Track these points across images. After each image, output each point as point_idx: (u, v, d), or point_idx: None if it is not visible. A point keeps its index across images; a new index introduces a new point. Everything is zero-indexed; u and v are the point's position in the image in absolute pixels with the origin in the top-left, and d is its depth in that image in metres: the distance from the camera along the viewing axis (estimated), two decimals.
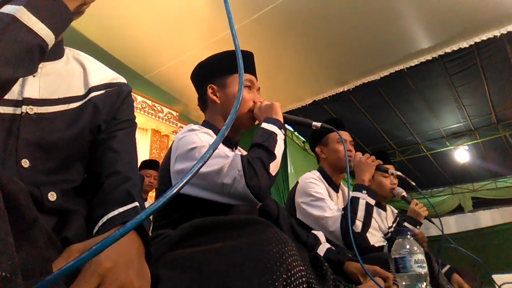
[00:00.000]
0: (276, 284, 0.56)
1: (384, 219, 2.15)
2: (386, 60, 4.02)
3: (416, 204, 1.99)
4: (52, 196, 0.64)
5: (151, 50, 3.76)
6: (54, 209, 0.64)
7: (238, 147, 1.24)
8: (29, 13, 0.52)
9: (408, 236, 1.07)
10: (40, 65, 0.70)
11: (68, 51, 0.80)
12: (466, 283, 1.82)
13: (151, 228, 1.08)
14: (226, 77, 1.16)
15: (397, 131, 6.05)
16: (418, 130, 6.12)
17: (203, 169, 0.90)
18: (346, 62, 4.07)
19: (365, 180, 1.56)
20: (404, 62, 3.99)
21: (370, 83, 4.32)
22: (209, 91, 1.17)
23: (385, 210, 2.21)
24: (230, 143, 1.16)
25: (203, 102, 1.22)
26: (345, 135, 1.73)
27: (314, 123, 1.15)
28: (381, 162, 1.65)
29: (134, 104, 1.01)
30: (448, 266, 1.89)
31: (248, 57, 1.20)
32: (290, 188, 2.00)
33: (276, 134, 1.01)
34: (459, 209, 8.08)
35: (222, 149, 0.99)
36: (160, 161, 3.72)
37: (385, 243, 1.90)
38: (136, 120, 0.87)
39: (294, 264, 0.60)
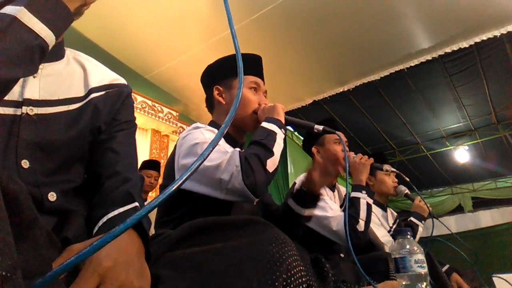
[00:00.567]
0: (276, 284, 0.56)
1: (385, 219, 2.16)
2: (386, 60, 4.02)
3: (420, 201, 2.03)
4: (52, 196, 0.64)
5: (151, 50, 3.76)
6: (54, 209, 0.64)
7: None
8: (29, 14, 0.53)
9: (408, 236, 1.07)
10: (41, 66, 0.70)
11: (69, 52, 0.80)
12: (466, 283, 1.83)
13: (151, 227, 1.08)
14: (232, 79, 1.19)
15: (397, 131, 6.05)
16: (418, 130, 6.12)
17: (203, 165, 0.90)
18: (346, 62, 4.06)
19: (362, 180, 1.58)
20: (404, 62, 3.99)
21: (370, 83, 4.32)
22: (215, 92, 1.20)
23: (385, 211, 2.22)
24: (236, 144, 1.16)
25: (210, 103, 1.25)
26: (341, 135, 1.74)
27: (316, 126, 1.15)
28: (372, 160, 1.66)
29: (134, 104, 1.02)
30: (447, 266, 1.90)
31: (255, 60, 1.23)
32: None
33: (275, 133, 1.01)
34: (459, 209, 8.08)
35: (225, 147, 0.99)
36: (161, 161, 3.73)
37: (390, 238, 1.91)
38: (136, 120, 0.87)
39: (294, 264, 0.60)
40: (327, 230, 1.47)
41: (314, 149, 1.80)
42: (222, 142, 1.04)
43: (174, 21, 3.36)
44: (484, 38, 3.55)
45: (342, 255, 1.59)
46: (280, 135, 1.02)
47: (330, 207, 1.51)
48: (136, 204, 0.68)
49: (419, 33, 3.62)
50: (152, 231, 1.13)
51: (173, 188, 0.34)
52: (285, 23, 3.42)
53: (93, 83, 0.77)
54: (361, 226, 1.44)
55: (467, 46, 3.66)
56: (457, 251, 1.79)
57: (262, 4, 3.19)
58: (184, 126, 4.40)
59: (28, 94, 0.66)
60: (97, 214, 0.66)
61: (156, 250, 0.67)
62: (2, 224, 0.33)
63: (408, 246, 1.03)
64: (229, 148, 0.99)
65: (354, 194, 1.53)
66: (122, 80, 0.85)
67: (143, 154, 3.76)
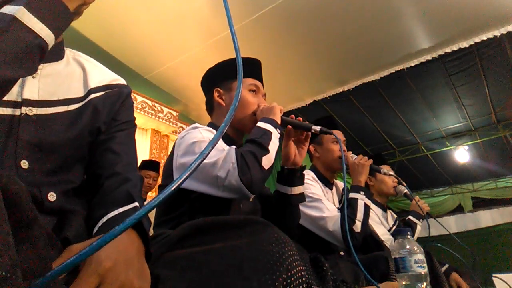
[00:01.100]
0: (276, 284, 0.56)
1: (385, 219, 2.17)
2: (386, 60, 4.02)
3: (418, 200, 2.05)
4: (52, 196, 0.64)
5: (151, 50, 3.76)
6: (54, 209, 0.64)
7: None
8: (29, 14, 0.52)
9: (408, 236, 1.07)
10: (40, 67, 0.70)
11: (69, 52, 0.80)
12: (465, 283, 1.83)
13: (151, 227, 1.08)
14: (231, 81, 1.20)
15: (397, 131, 6.04)
16: (418, 130, 6.11)
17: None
18: (346, 62, 4.06)
19: (361, 181, 1.59)
20: (404, 62, 3.99)
21: (370, 83, 4.32)
22: (216, 94, 1.22)
23: (386, 211, 2.22)
24: (234, 144, 1.16)
25: (210, 106, 1.26)
26: (339, 134, 1.75)
27: (313, 127, 1.15)
28: (372, 161, 1.66)
29: (134, 104, 1.02)
30: (446, 265, 1.90)
31: (255, 64, 1.25)
32: None
33: (270, 132, 1.02)
34: (459, 209, 8.07)
35: (222, 145, 1.00)
36: (160, 161, 3.73)
37: (390, 236, 1.92)
38: (136, 120, 0.87)
39: (294, 264, 0.60)
40: (323, 231, 1.47)
41: (311, 148, 1.81)
42: (220, 141, 1.04)
43: (174, 21, 3.36)
44: (484, 38, 3.55)
45: (342, 253, 1.59)
46: (275, 134, 1.03)
47: (326, 208, 1.50)
48: (136, 204, 0.68)
49: (419, 33, 3.62)
50: (151, 231, 1.13)
51: (173, 188, 0.34)
52: (285, 23, 3.42)
53: (93, 84, 0.77)
54: (357, 227, 1.45)
55: (467, 46, 3.66)
56: (457, 251, 1.79)
57: (262, 4, 3.19)
58: (184, 126, 4.40)
59: (27, 95, 0.66)
60: (97, 214, 0.66)
61: (156, 250, 0.67)
62: (2, 224, 0.33)
63: (408, 246, 1.03)
64: (226, 147, 0.99)
65: (352, 195, 1.54)
66: (121, 81, 0.85)
67: (143, 154, 3.76)
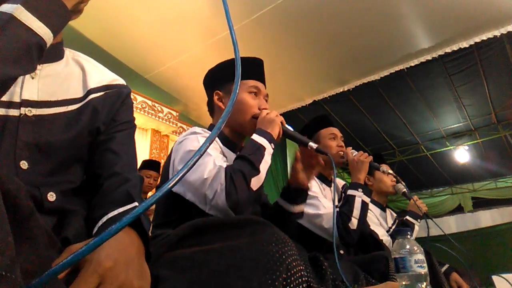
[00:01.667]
0: (276, 284, 0.56)
1: (384, 219, 2.16)
2: (386, 60, 4.02)
3: (416, 200, 2.04)
4: (51, 196, 0.64)
5: (151, 50, 3.76)
6: (53, 209, 0.64)
7: None
8: (27, 12, 0.52)
9: (408, 236, 1.07)
10: (39, 67, 0.70)
11: (68, 52, 0.80)
12: (465, 283, 1.83)
13: (151, 228, 1.08)
14: (231, 84, 1.18)
15: (397, 131, 6.04)
16: (418, 130, 6.11)
17: (192, 176, 0.92)
18: (346, 62, 4.06)
19: (360, 178, 1.58)
20: (404, 62, 3.99)
21: (370, 83, 4.32)
22: (215, 97, 1.20)
23: (385, 211, 2.22)
24: (234, 147, 1.16)
25: (211, 108, 1.25)
26: (335, 131, 1.76)
27: (310, 143, 1.14)
28: (371, 158, 1.66)
29: (134, 104, 1.02)
30: (447, 266, 1.90)
31: (256, 64, 1.22)
32: None
33: (264, 148, 1.01)
34: (459, 209, 8.07)
35: (217, 159, 0.98)
36: (160, 161, 3.72)
37: (389, 238, 1.92)
38: (136, 120, 0.87)
39: (294, 264, 0.60)
40: (319, 228, 1.47)
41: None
42: (214, 150, 1.04)
43: (174, 21, 3.36)
44: (484, 38, 3.55)
45: (341, 251, 1.59)
46: (268, 150, 1.02)
47: (323, 205, 1.50)
48: (136, 204, 0.68)
49: (419, 33, 3.62)
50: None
51: (169, 186, 0.34)
52: (285, 23, 3.42)
53: (92, 84, 0.77)
54: (353, 224, 1.44)
55: (467, 46, 3.66)
56: (456, 251, 1.79)
57: (262, 4, 3.19)
58: (184, 126, 4.40)
59: (26, 95, 0.66)
60: (96, 214, 0.66)
61: (156, 250, 0.67)
62: (2, 224, 0.33)
63: (408, 246, 1.03)
64: (221, 161, 0.98)
65: (350, 192, 1.54)
66: (121, 81, 0.85)
67: (143, 154, 3.76)
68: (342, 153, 1.70)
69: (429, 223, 1.72)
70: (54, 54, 0.74)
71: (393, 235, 2.02)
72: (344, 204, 1.51)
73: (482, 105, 5.34)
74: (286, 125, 1.15)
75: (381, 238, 1.81)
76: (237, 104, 1.12)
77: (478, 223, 7.53)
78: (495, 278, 1.99)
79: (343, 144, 1.75)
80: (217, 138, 1.09)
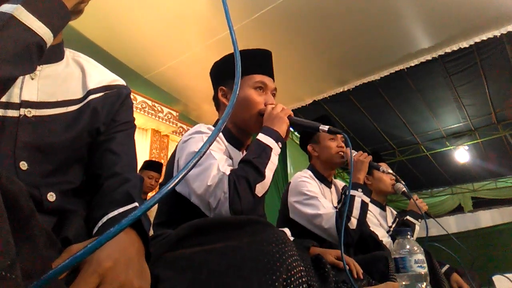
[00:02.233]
0: (276, 284, 0.56)
1: (384, 218, 2.16)
2: (386, 60, 4.02)
3: (416, 199, 2.04)
4: (51, 196, 0.64)
5: (151, 50, 3.76)
6: (53, 209, 0.64)
7: None
8: (26, 12, 0.52)
9: (408, 236, 1.07)
10: (39, 68, 0.70)
11: (68, 53, 0.80)
12: (465, 283, 1.83)
13: (151, 228, 1.08)
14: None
15: (397, 131, 6.05)
16: (418, 130, 6.12)
17: (196, 183, 0.91)
18: (346, 62, 4.06)
19: (360, 178, 1.58)
20: (404, 62, 3.98)
21: (370, 83, 4.31)
22: (220, 93, 1.17)
23: (384, 210, 2.22)
24: (240, 145, 1.15)
25: (216, 103, 1.22)
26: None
27: (321, 126, 1.09)
28: (371, 158, 1.66)
29: (134, 104, 1.02)
30: (447, 266, 1.90)
31: (264, 56, 1.18)
32: None
33: (270, 149, 0.97)
34: (459, 209, 8.08)
35: (221, 162, 0.95)
36: (161, 161, 3.72)
37: (389, 239, 1.92)
38: (136, 120, 0.87)
39: (294, 264, 0.60)
40: (319, 228, 1.47)
41: (309, 147, 1.81)
42: (219, 151, 1.01)
43: (174, 21, 3.36)
44: (484, 38, 3.55)
45: None
46: (275, 150, 0.99)
47: (322, 205, 1.50)
48: (136, 204, 0.68)
49: (419, 33, 3.61)
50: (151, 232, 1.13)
51: (169, 188, 0.34)
52: (285, 23, 3.42)
53: (92, 85, 0.77)
54: (353, 224, 1.44)
55: (467, 46, 3.66)
56: (456, 251, 1.79)
57: (262, 4, 3.19)
58: (184, 126, 4.40)
59: (26, 96, 0.66)
60: (96, 215, 0.66)
61: (156, 250, 0.67)
62: (2, 224, 0.33)
63: (408, 246, 1.03)
64: (225, 165, 0.95)
65: (350, 192, 1.54)
66: (121, 81, 0.85)
67: (143, 154, 3.76)
68: (342, 153, 1.70)
69: (430, 223, 1.72)
70: (54, 55, 0.74)
71: (394, 236, 2.02)
72: (343, 205, 1.51)
73: (482, 105, 5.34)
74: (293, 117, 1.10)
75: (381, 239, 1.81)
76: (242, 100, 1.10)
77: (478, 223, 7.54)
78: (496, 277, 1.99)
79: (343, 145, 1.75)
80: (222, 136, 1.08)
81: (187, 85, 4.18)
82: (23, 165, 0.62)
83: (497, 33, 3.48)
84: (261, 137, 1.00)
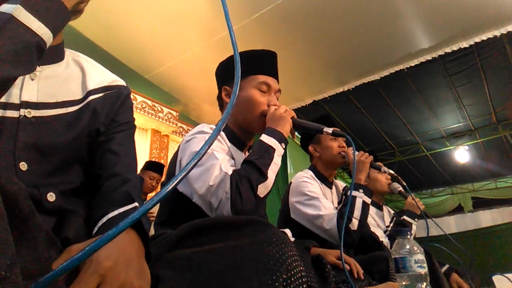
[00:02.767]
0: (276, 284, 0.56)
1: (381, 218, 2.16)
2: (386, 60, 4.02)
3: (413, 199, 2.04)
4: (51, 196, 0.64)
5: (151, 50, 3.76)
6: (53, 209, 0.64)
7: None
8: (26, 12, 0.52)
9: (408, 236, 1.07)
10: (39, 69, 0.70)
11: (68, 53, 0.80)
12: (465, 283, 1.83)
13: (151, 228, 1.08)
14: (241, 80, 1.15)
15: (397, 131, 6.05)
16: (418, 130, 6.12)
17: (198, 183, 0.91)
18: (346, 62, 4.06)
19: (361, 179, 1.58)
20: (404, 62, 3.99)
21: (370, 83, 4.32)
22: (224, 93, 1.17)
23: (381, 210, 2.22)
24: (242, 146, 1.14)
25: (220, 103, 1.22)
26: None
27: (325, 129, 1.10)
28: (372, 158, 1.66)
29: (134, 104, 1.02)
30: (447, 266, 1.90)
31: (268, 57, 1.18)
32: None
33: (273, 150, 0.97)
34: (459, 209, 8.08)
35: (223, 163, 0.95)
36: (161, 161, 3.73)
37: (386, 239, 1.92)
38: (136, 120, 0.87)
39: (294, 264, 0.60)
40: (320, 229, 1.47)
41: (311, 148, 1.81)
42: (221, 152, 1.00)
43: (174, 21, 3.36)
44: (484, 38, 3.55)
45: None
46: (278, 151, 0.98)
47: (324, 206, 1.50)
48: (136, 204, 0.68)
49: (419, 33, 3.62)
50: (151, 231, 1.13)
51: (168, 189, 0.34)
52: (285, 23, 3.42)
53: (92, 85, 0.77)
54: (354, 225, 1.44)
55: (467, 46, 3.66)
56: (455, 251, 1.79)
57: (262, 4, 3.19)
58: (184, 126, 4.40)
59: (26, 97, 0.66)
60: (96, 215, 0.66)
61: (156, 250, 0.67)
62: (2, 224, 0.33)
63: (408, 246, 1.03)
64: (228, 165, 0.94)
65: (351, 192, 1.53)
66: (121, 82, 0.85)
67: (143, 154, 3.76)
68: (343, 153, 1.70)
69: (429, 223, 1.72)
70: (54, 55, 0.74)
71: (392, 235, 2.02)
72: (344, 205, 1.50)
73: (482, 105, 5.35)
74: (297, 118, 1.10)
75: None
76: (245, 101, 1.10)
77: (478, 223, 7.54)
78: (496, 277, 1.98)
79: (344, 145, 1.75)
80: (224, 136, 1.07)
81: (187, 85, 4.18)
82: (23, 166, 0.62)
83: (497, 33, 3.48)
84: (264, 137, 1.00)
